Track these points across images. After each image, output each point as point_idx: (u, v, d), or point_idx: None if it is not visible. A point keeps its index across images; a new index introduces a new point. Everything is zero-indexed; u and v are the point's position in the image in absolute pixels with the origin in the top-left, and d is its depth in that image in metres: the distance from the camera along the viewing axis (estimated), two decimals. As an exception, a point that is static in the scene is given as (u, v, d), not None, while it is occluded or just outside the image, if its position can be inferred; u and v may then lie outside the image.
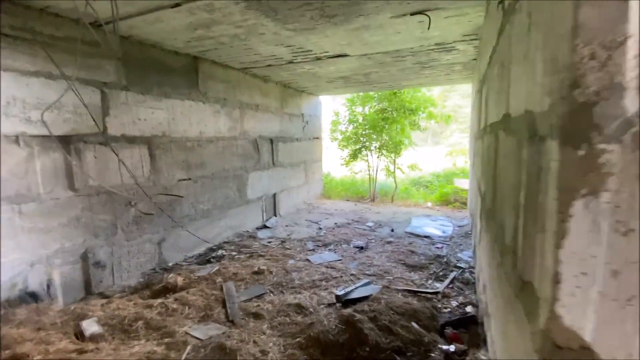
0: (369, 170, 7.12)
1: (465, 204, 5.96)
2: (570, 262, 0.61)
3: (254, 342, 1.87)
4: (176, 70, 3.33)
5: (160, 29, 2.67)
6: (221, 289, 2.60)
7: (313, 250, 3.71)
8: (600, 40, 0.55)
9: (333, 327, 1.84)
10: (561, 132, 0.61)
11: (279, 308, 2.32)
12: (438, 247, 3.70)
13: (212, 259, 3.41)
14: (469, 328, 1.97)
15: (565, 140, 0.60)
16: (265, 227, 4.68)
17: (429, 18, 2.52)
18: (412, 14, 2.48)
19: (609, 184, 0.56)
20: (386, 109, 6.58)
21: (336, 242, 3.94)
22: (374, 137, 6.83)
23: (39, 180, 2.25)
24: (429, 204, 6.41)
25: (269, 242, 3.98)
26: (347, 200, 6.91)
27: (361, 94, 6.84)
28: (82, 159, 2.49)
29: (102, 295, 2.56)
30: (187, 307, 2.27)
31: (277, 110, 5.20)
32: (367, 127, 6.83)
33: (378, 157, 6.94)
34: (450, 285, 2.74)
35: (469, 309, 2.29)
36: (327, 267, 3.14)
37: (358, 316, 1.84)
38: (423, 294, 2.50)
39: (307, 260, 3.36)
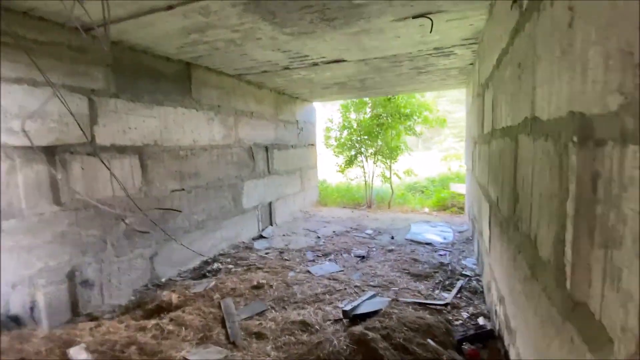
0: (364, 177, 7.04)
1: (462, 208, 5.92)
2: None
3: (259, 365, 1.73)
4: (168, 77, 3.20)
5: (152, 34, 2.55)
6: (219, 307, 2.45)
7: (313, 260, 3.58)
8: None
9: (344, 347, 1.71)
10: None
11: (282, 326, 2.18)
12: (441, 255, 3.61)
13: (207, 273, 3.25)
14: (486, 343, 1.87)
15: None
16: (261, 237, 4.53)
17: (432, 21, 2.46)
18: (414, 17, 2.42)
19: None
20: (381, 115, 6.54)
21: (336, 252, 3.82)
22: (369, 142, 6.78)
23: (21, 195, 2.08)
24: (427, 210, 6.36)
25: (267, 253, 3.83)
26: (344, 207, 6.80)
27: (355, 100, 6.79)
28: (68, 171, 2.33)
29: (91, 317, 2.38)
30: (183, 328, 2.11)
31: (271, 117, 5.09)
32: (361, 133, 6.77)
33: (374, 163, 6.88)
34: (459, 295, 2.64)
35: (481, 321, 2.19)
36: (330, 279, 3.02)
37: (371, 335, 1.72)
38: (433, 306, 2.39)
39: (308, 271, 3.23)
